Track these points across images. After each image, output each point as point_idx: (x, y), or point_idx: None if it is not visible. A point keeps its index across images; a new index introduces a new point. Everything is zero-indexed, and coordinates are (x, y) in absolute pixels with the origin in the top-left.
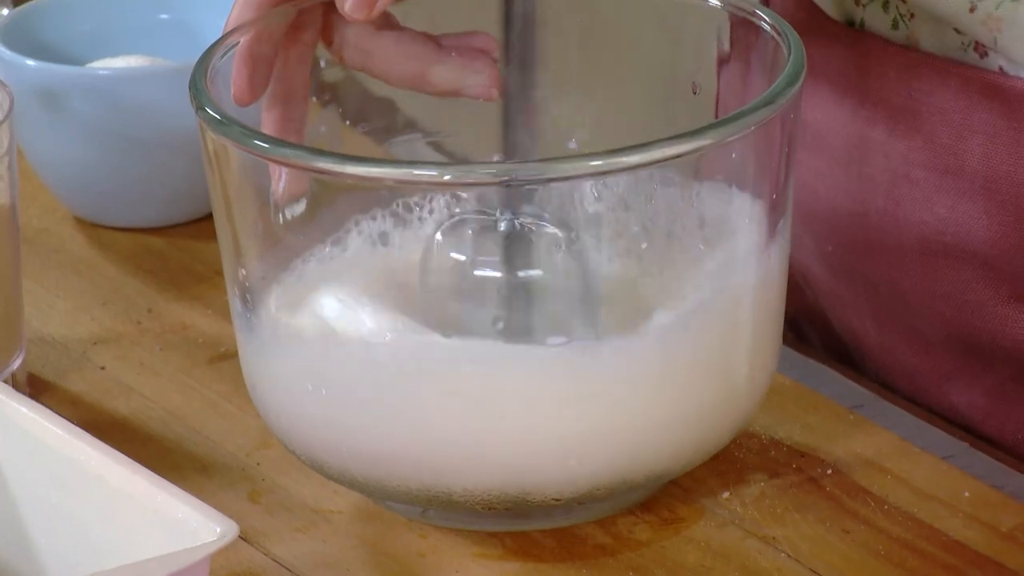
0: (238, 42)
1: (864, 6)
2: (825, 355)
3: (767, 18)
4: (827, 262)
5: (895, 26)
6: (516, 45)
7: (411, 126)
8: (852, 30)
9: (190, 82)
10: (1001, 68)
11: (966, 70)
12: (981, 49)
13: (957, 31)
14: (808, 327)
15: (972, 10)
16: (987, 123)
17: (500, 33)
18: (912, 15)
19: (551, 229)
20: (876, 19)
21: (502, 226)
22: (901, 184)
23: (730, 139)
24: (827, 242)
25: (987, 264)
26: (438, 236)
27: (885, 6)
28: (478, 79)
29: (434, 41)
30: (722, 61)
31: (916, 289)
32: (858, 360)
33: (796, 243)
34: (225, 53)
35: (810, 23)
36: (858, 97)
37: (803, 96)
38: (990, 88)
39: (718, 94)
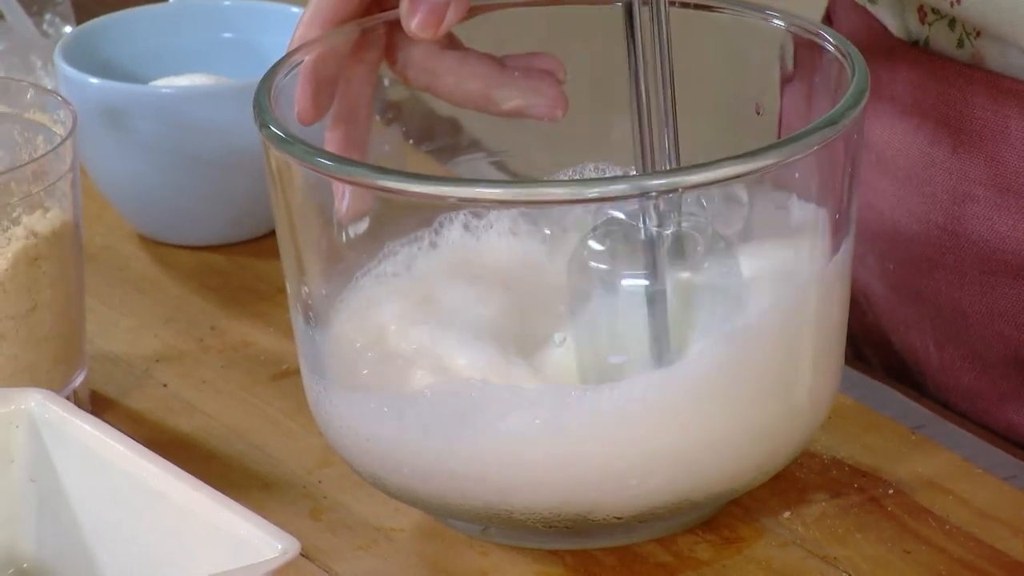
0: (302, 61)
1: (930, 24)
2: (885, 375)
3: (831, 38)
4: (888, 281)
5: (960, 44)
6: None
7: (475, 145)
8: (916, 48)
9: (254, 100)
10: None
11: None
12: None
13: (1022, 51)
14: (868, 347)
15: None
16: None
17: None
18: (978, 33)
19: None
20: (941, 37)
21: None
22: (963, 202)
23: (794, 159)
24: (889, 260)
25: None
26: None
27: (951, 24)
28: (543, 99)
29: (498, 62)
30: (786, 81)
31: (976, 308)
32: (918, 379)
33: (858, 262)
34: (289, 72)
35: (873, 41)
36: (921, 115)
37: (868, 114)
38: None
39: (781, 114)
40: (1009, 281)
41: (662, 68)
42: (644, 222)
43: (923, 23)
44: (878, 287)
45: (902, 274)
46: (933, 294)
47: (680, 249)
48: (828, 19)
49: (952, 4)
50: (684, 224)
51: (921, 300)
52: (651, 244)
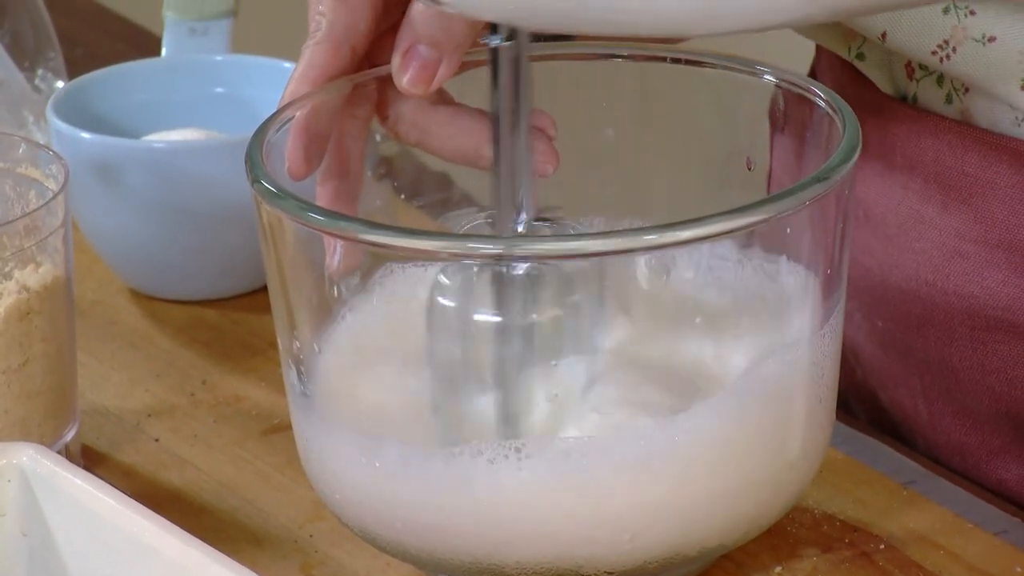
0: (293, 116)
1: (917, 80)
2: (873, 431)
3: (821, 93)
4: (878, 338)
5: (949, 100)
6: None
7: (466, 200)
8: (904, 104)
9: (246, 155)
10: None
11: (1019, 144)
12: None
13: (1011, 106)
14: (856, 403)
15: None
16: None
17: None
18: (967, 89)
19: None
20: (929, 93)
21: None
22: (952, 259)
23: (784, 215)
24: (877, 317)
25: None
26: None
27: (939, 80)
28: (534, 155)
29: (489, 117)
30: (776, 136)
31: (966, 364)
32: (907, 436)
33: (845, 319)
34: (280, 127)
35: (860, 97)
36: (909, 171)
37: (856, 170)
38: None
39: (771, 170)
40: (999, 336)
41: (518, 114)
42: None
43: (911, 79)
44: (866, 344)
45: (891, 331)
46: (922, 350)
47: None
48: (813, 75)
49: (941, 60)
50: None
51: (910, 356)
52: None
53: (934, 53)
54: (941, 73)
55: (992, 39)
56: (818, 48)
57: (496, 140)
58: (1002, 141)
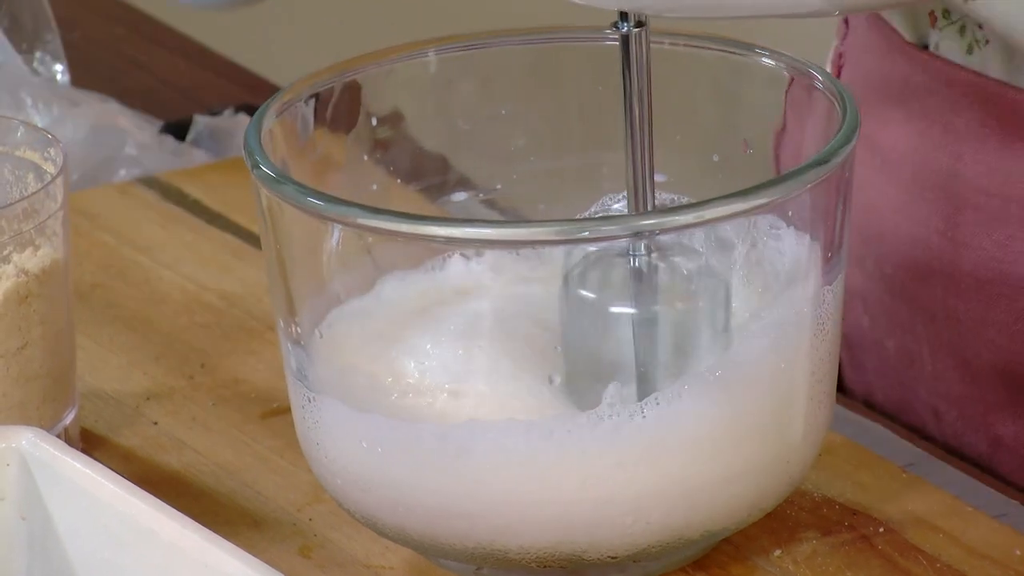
0: (292, 101)
1: (940, 30)
2: (877, 380)
3: (821, 77)
4: (886, 284)
5: (969, 51)
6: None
7: (463, 183)
8: (925, 53)
9: (244, 140)
10: None
11: None
12: None
13: None
14: (862, 352)
15: None
16: None
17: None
18: (987, 41)
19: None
20: (950, 43)
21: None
22: (964, 209)
23: (785, 198)
24: (887, 264)
25: None
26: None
27: (962, 30)
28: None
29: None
30: (777, 120)
31: (970, 315)
32: (911, 384)
33: (857, 265)
34: (281, 112)
35: (883, 43)
36: (927, 120)
37: (875, 117)
38: None
39: (777, 154)
40: (1005, 290)
41: (649, 99)
42: (633, 257)
43: (934, 27)
44: (876, 290)
45: (899, 277)
46: (928, 299)
47: (671, 284)
48: (845, 26)
49: (966, 0)
50: (675, 259)
51: (917, 305)
52: (641, 278)
53: None
54: (963, 24)
55: None
56: None
57: (630, 123)
58: (1019, 96)
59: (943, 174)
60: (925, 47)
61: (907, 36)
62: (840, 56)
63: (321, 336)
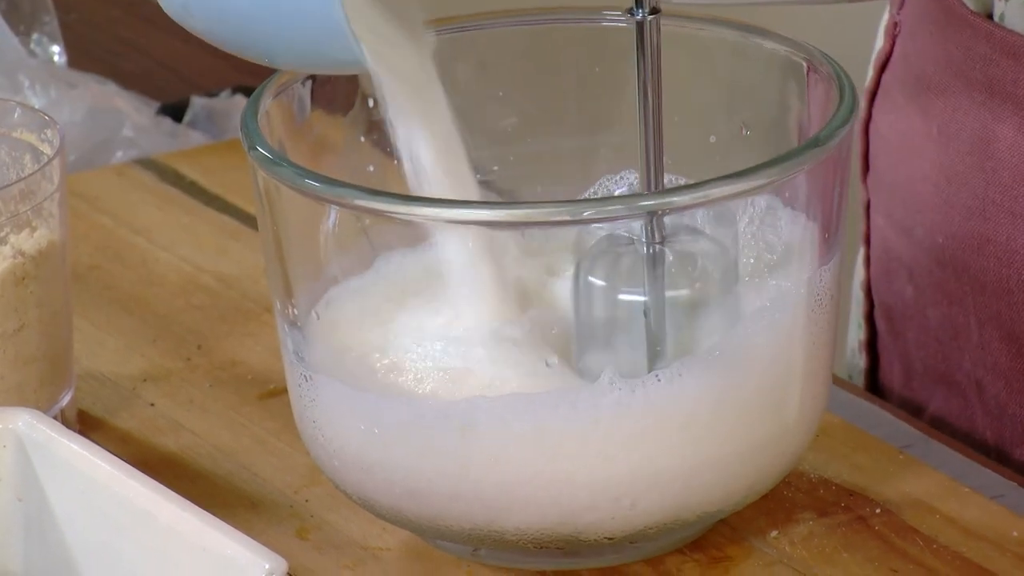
0: (289, 83)
1: (1007, 0)
2: (917, 351)
3: (820, 58)
4: (935, 254)
5: None
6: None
7: None
8: (988, 23)
9: (241, 122)
10: None
11: None
12: None
13: None
14: (904, 321)
15: None
16: None
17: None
18: None
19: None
20: (1017, 13)
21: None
22: (1022, 181)
23: (783, 179)
24: (939, 234)
25: None
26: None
27: None
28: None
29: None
30: (777, 101)
31: (1022, 287)
32: (954, 355)
33: (905, 235)
34: (278, 93)
35: (947, 12)
36: (988, 90)
37: (932, 86)
38: None
39: (782, 135)
40: None
41: (659, 81)
42: (643, 238)
43: None
44: (924, 260)
45: (950, 248)
46: (980, 270)
47: (674, 265)
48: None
49: None
50: (680, 239)
51: (968, 275)
52: (647, 260)
53: None
54: None
55: None
56: None
57: (643, 107)
58: None
59: (1003, 144)
60: (989, 16)
61: (971, 5)
62: (896, 25)
63: (318, 317)
